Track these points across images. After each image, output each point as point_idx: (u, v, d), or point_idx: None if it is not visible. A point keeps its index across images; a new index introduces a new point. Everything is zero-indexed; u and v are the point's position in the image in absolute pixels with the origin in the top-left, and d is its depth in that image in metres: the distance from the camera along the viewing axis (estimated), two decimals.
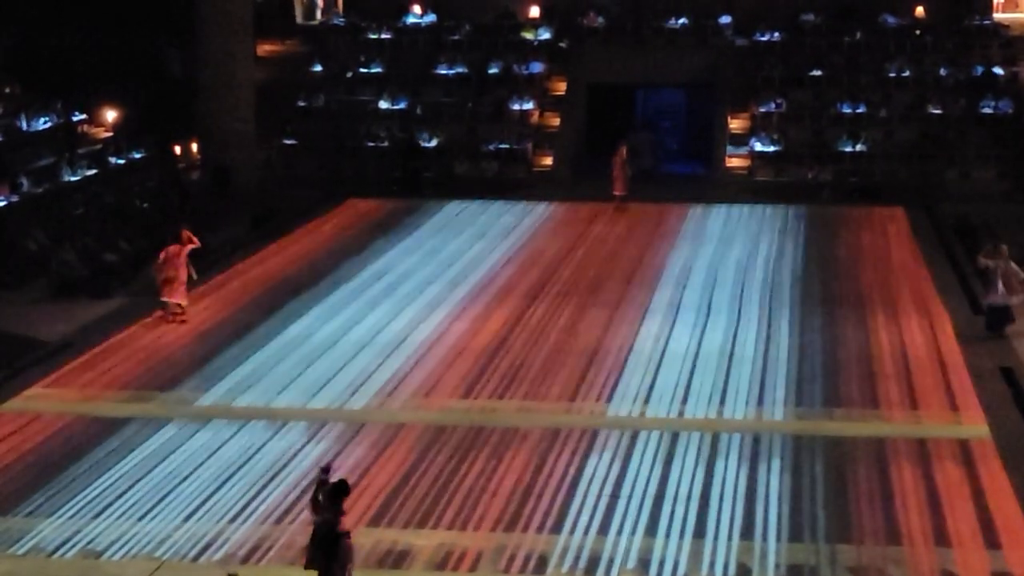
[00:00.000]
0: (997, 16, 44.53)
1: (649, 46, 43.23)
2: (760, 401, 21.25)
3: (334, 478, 14.75)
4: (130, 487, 18.03)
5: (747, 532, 16.59)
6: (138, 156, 37.71)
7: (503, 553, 16.05)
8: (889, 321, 25.51)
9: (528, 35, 44.15)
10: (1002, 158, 38.77)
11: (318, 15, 49.65)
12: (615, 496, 17.58)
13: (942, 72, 41.46)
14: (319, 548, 14.10)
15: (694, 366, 22.89)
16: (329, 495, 14.28)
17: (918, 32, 43.18)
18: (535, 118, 41.88)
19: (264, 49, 45.56)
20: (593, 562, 15.87)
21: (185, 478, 18.31)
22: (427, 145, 40.43)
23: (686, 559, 15.94)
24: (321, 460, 18.69)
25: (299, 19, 49.60)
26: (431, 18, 44.92)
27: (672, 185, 39.49)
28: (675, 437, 19.60)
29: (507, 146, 40.55)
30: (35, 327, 25.78)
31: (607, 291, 27.81)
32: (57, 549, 16.33)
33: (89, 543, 16.47)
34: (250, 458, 18.97)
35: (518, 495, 17.63)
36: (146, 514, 17.22)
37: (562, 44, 43.89)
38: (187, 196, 36.23)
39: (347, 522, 14.43)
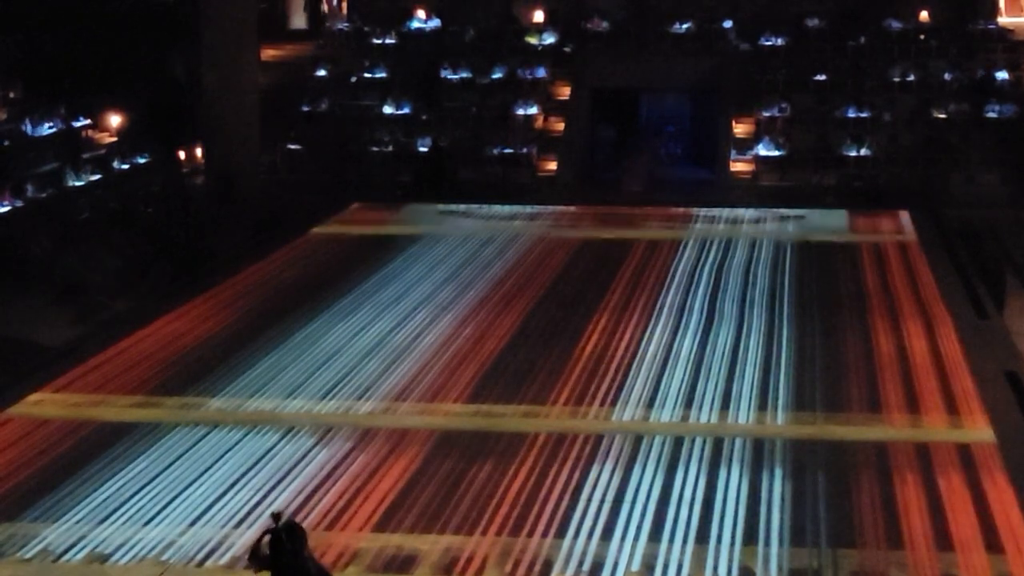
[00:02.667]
0: (1001, 20, 44.56)
1: (653, 51, 43.29)
2: (763, 406, 21.30)
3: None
4: (136, 492, 18.09)
5: (750, 536, 16.63)
6: (142, 161, 37.79)
7: (508, 557, 16.10)
8: (892, 325, 25.57)
9: (532, 40, 44.21)
10: (1006, 162, 38.79)
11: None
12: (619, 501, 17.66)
13: (946, 76, 41.51)
14: None
15: (698, 371, 22.95)
16: (291, 541, 13.93)
17: (922, 36, 43.21)
18: (539, 123, 41.96)
19: (268, 53, 45.64)
20: (597, 566, 15.92)
21: (191, 483, 18.36)
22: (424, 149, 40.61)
23: (689, 563, 15.99)
24: (326, 465, 18.84)
25: (303, 24, 49.84)
26: (435, 23, 45.00)
27: (676, 190, 39.56)
28: (679, 442, 19.66)
29: (511, 151, 40.62)
30: (40, 332, 25.84)
31: (612, 296, 27.86)
32: (64, 553, 16.39)
33: (95, 547, 16.53)
34: (257, 463, 19.03)
35: (523, 500, 17.68)
36: (152, 518, 17.28)
37: (566, 49, 43.96)
38: (189, 200, 36.33)
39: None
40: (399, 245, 32.55)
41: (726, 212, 35.90)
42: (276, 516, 14.09)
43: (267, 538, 13.83)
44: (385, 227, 35.10)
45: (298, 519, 16.91)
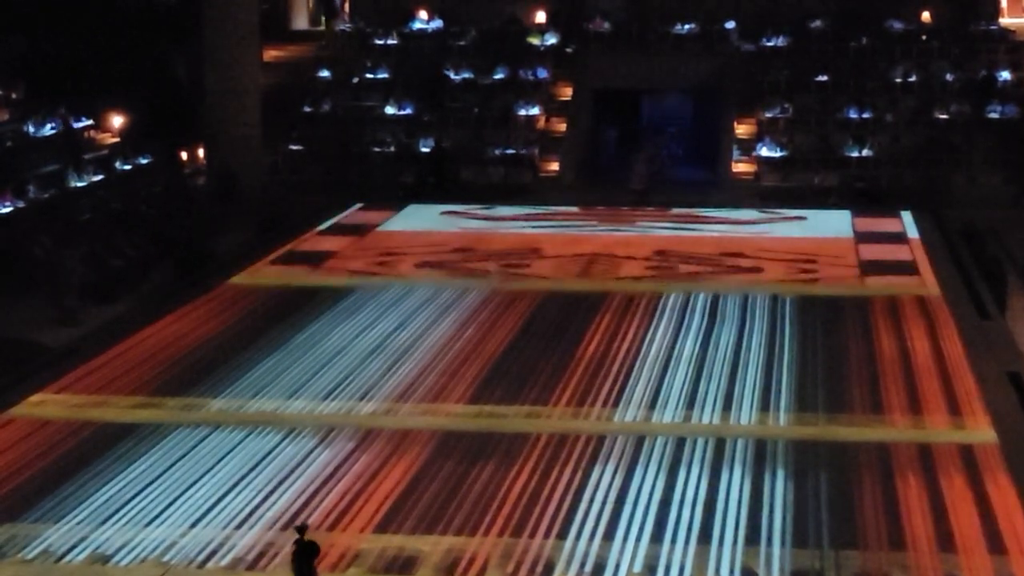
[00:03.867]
0: (1003, 21, 44.61)
1: (655, 51, 43.30)
2: (765, 407, 21.29)
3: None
4: (138, 493, 18.06)
5: (752, 537, 16.61)
6: (144, 161, 37.78)
7: (510, 559, 16.08)
8: (893, 326, 25.55)
9: (534, 40, 44.21)
10: (1008, 163, 38.80)
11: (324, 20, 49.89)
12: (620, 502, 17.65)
13: (948, 77, 41.51)
14: None
15: (700, 372, 22.94)
16: (302, 556, 14.17)
17: (924, 37, 43.21)
18: (541, 123, 41.96)
19: (270, 54, 45.67)
20: (599, 567, 15.89)
21: (193, 484, 18.34)
22: (426, 150, 40.65)
23: (691, 564, 15.97)
24: (328, 466, 18.83)
25: (305, 24, 49.91)
26: (437, 24, 45.00)
27: (679, 190, 39.59)
28: (681, 443, 19.64)
29: (513, 151, 40.64)
30: (41, 333, 25.83)
31: (614, 296, 27.85)
32: (65, 554, 16.36)
33: (97, 548, 16.51)
34: (258, 464, 19.00)
35: (525, 501, 17.66)
36: (154, 519, 17.25)
37: (568, 49, 43.96)
38: (191, 201, 36.38)
39: None
40: (401, 244, 32.51)
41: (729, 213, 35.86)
42: (302, 529, 14.37)
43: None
44: (387, 226, 35.15)
45: (299, 520, 16.95)
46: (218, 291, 28.69)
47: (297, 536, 14.52)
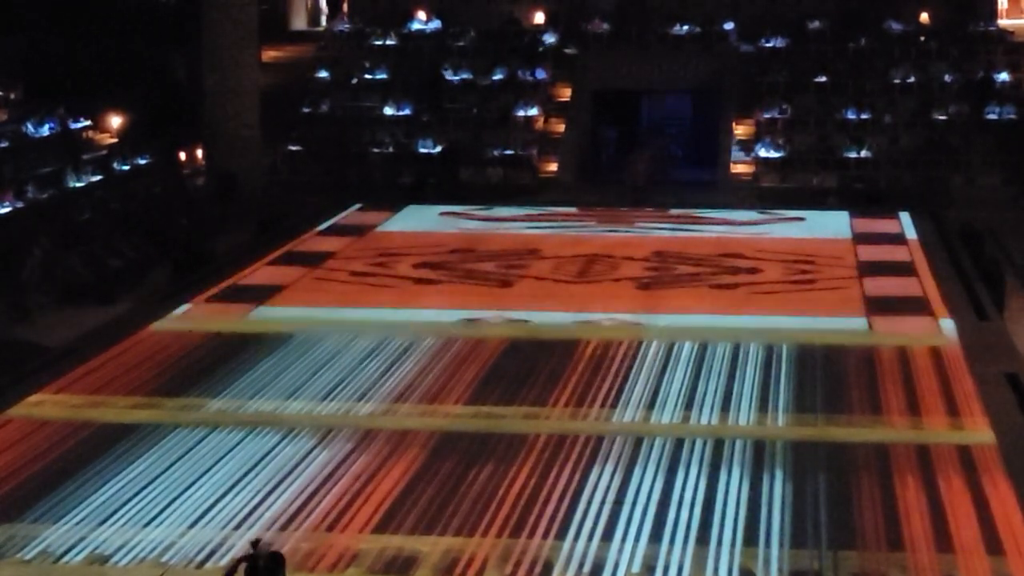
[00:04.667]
0: (1001, 22, 44.63)
1: (654, 52, 43.32)
2: (764, 407, 21.28)
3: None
4: (136, 493, 18.05)
5: (751, 538, 16.62)
6: (143, 162, 37.76)
7: (509, 559, 16.08)
8: (892, 327, 25.54)
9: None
10: (1007, 164, 38.83)
11: (323, 21, 49.88)
12: (619, 502, 17.64)
13: (947, 78, 41.53)
14: None
15: (699, 373, 22.93)
16: (271, 571, 14.06)
17: (923, 38, 43.24)
18: (540, 124, 41.97)
19: (269, 55, 45.69)
20: (598, 568, 15.89)
21: (191, 484, 18.33)
22: (431, 151, 40.66)
23: (690, 564, 15.98)
24: (326, 466, 18.83)
25: (303, 25, 49.93)
26: (436, 24, 45.01)
27: (678, 191, 39.59)
28: (679, 443, 19.64)
29: (512, 152, 40.65)
30: (40, 333, 25.82)
31: (613, 297, 27.85)
32: (64, 555, 16.35)
33: (95, 549, 16.50)
34: (256, 464, 19.00)
35: (524, 501, 17.66)
36: (152, 520, 17.24)
37: (567, 50, 43.97)
38: (191, 202, 36.37)
39: None
40: (400, 244, 32.51)
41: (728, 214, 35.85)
42: (255, 543, 14.19)
43: (243, 565, 13.99)
44: (386, 226, 35.14)
45: (298, 521, 16.97)
46: (217, 290, 28.68)
47: (252, 551, 14.17)
